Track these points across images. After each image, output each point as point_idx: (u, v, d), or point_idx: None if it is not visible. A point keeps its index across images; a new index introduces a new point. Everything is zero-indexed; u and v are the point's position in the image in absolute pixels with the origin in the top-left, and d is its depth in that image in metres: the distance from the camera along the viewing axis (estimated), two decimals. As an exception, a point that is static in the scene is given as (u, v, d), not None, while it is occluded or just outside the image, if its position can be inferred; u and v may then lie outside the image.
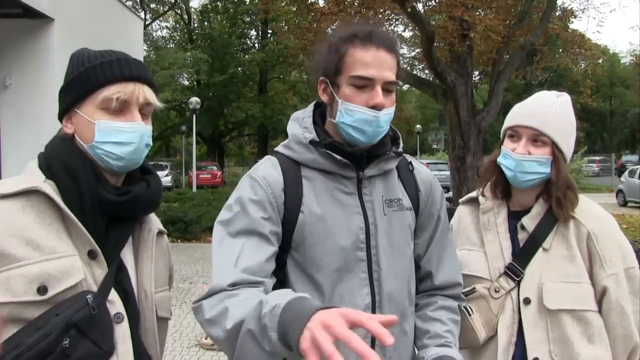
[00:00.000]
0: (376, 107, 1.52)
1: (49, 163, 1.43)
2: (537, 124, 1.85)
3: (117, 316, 1.38)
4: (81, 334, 1.29)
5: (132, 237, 1.54)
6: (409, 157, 1.76)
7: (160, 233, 1.63)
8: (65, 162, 1.42)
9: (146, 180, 1.56)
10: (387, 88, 1.55)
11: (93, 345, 1.30)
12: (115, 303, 1.39)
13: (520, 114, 1.90)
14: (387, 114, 1.56)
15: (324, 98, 1.64)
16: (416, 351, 1.68)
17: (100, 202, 1.40)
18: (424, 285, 1.75)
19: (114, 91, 1.42)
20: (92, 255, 1.38)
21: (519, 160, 1.85)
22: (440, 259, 1.74)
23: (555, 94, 1.94)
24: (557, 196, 1.87)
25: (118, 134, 1.42)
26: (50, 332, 1.25)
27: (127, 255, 1.51)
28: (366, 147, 1.61)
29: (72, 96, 1.45)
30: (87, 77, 1.43)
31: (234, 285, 1.40)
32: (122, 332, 1.38)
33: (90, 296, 1.32)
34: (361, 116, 1.53)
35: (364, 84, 1.54)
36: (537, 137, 1.86)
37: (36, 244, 1.32)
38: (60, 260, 1.32)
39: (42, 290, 1.28)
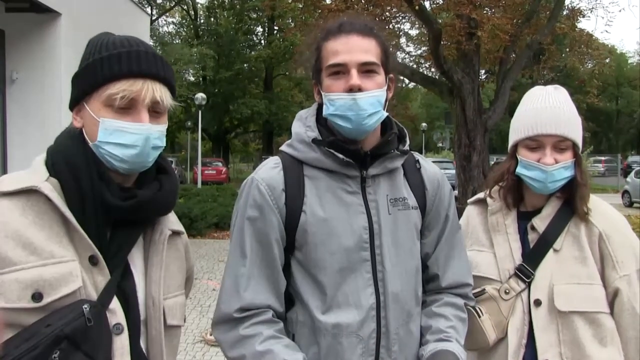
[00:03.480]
0: (352, 90, 1.52)
1: (53, 159, 1.34)
2: (562, 131, 1.83)
3: (117, 327, 1.30)
4: (73, 346, 1.20)
5: (143, 238, 1.44)
6: (417, 155, 1.75)
7: (176, 234, 1.52)
8: (69, 159, 1.33)
9: (160, 181, 1.45)
10: (366, 70, 1.54)
11: (86, 358, 1.22)
12: (116, 312, 1.31)
13: (540, 122, 1.84)
14: (369, 96, 1.53)
15: (317, 99, 1.66)
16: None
17: (103, 205, 1.30)
18: (432, 285, 1.73)
19: (119, 89, 1.31)
20: (93, 261, 1.29)
21: (551, 172, 1.82)
22: (449, 258, 1.72)
23: (554, 90, 1.91)
24: (582, 195, 1.86)
25: (121, 135, 1.32)
26: (39, 345, 1.16)
27: (136, 260, 1.42)
28: (367, 143, 1.60)
29: (80, 88, 1.36)
30: (95, 70, 1.33)
31: (241, 310, 1.53)
32: (121, 344, 1.30)
33: (87, 306, 1.23)
34: (341, 102, 1.53)
35: (338, 70, 1.55)
36: (560, 143, 1.84)
37: (33, 248, 1.24)
38: (58, 266, 1.24)
39: (37, 297, 1.21)
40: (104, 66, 1.33)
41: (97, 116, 1.33)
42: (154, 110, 1.37)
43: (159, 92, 1.35)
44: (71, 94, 1.39)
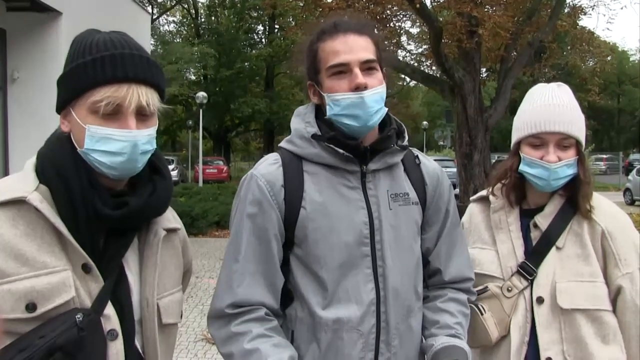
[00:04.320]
0: (359, 88, 1.52)
1: (43, 166, 1.31)
2: (565, 129, 1.82)
3: (111, 333, 1.30)
4: (67, 356, 1.20)
5: (137, 239, 1.43)
6: (415, 151, 1.75)
7: (172, 231, 1.51)
8: (59, 166, 1.30)
9: (154, 182, 1.42)
10: (367, 67, 1.55)
11: None
12: (110, 318, 1.30)
13: (543, 120, 1.83)
14: (374, 93, 1.54)
15: (315, 100, 1.66)
16: (423, 340, 1.67)
17: (95, 213, 1.28)
18: (434, 280, 1.73)
19: (103, 95, 1.26)
20: (86, 268, 1.28)
21: (554, 169, 1.81)
22: (450, 253, 1.73)
23: (557, 87, 1.91)
24: (584, 192, 1.85)
25: (108, 143, 1.28)
26: (32, 357, 1.16)
27: (130, 261, 1.41)
28: (367, 139, 1.60)
29: (65, 93, 1.33)
30: (78, 75, 1.29)
31: (234, 306, 1.53)
32: (116, 350, 1.30)
33: (79, 315, 1.23)
34: (347, 102, 1.54)
35: (340, 70, 1.55)
36: (564, 141, 1.83)
37: (25, 259, 1.23)
38: (51, 276, 1.23)
39: (30, 307, 1.21)
40: (87, 71, 1.28)
41: (83, 122, 1.29)
42: (141, 114, 1.32)
43: (144, 96, 1.31)
44: (57, 97, 1.36)
